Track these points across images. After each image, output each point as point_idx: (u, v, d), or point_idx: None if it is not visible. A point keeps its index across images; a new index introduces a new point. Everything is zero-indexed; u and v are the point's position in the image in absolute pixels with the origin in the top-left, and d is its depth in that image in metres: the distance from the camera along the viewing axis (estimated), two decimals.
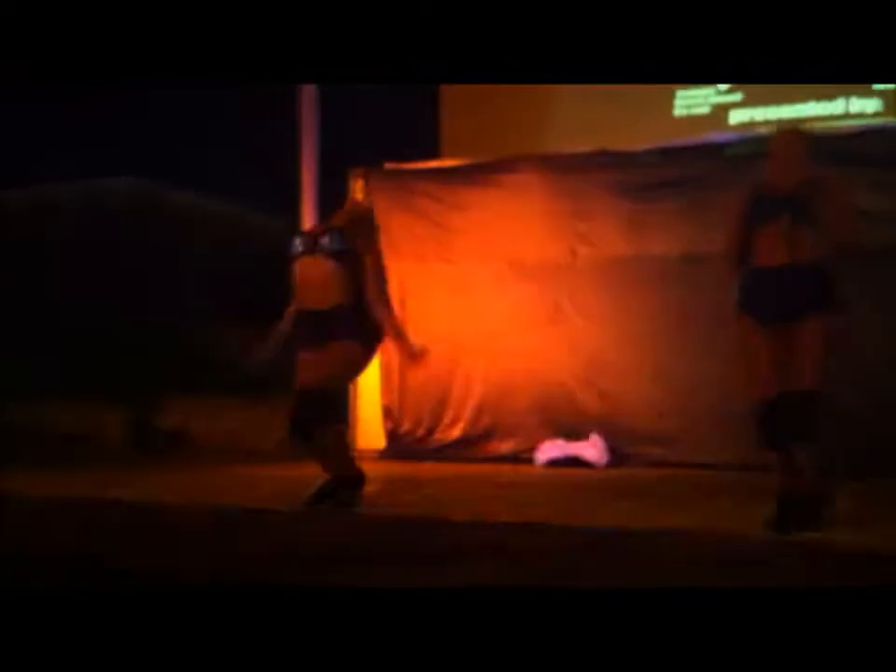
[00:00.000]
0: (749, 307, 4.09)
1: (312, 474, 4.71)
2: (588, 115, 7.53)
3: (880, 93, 7.07)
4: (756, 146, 5.30)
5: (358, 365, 4.68)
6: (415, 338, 7.02)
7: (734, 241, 4.19)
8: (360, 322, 4.57)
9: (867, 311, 5.59)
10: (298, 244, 4.69)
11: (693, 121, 7.52)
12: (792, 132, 4.34)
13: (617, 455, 6.66)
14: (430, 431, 7.22)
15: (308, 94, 7.40)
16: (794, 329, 3.96)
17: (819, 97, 7.13)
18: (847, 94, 7.19)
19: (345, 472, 4.63)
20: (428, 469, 6.38)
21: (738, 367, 4.23)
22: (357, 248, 4.60)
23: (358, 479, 4.70)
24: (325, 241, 4.61)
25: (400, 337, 4.67)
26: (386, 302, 4.67)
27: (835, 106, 7.21)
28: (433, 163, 7.65)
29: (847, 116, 7.15)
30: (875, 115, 7.04)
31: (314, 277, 4.60)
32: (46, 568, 3.13)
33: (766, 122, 7.16)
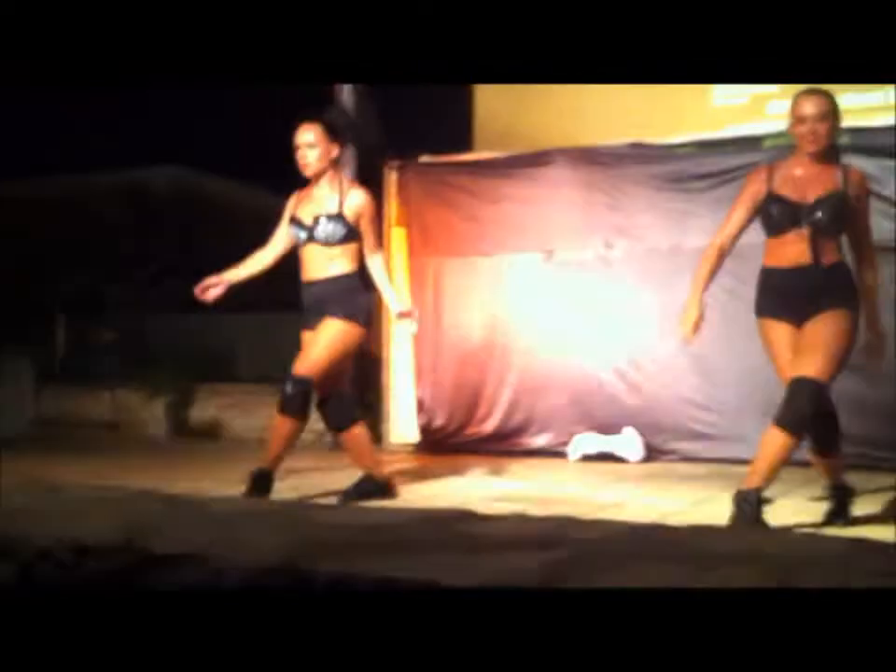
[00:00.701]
0: (768, 311, 3.97)
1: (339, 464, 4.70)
2: (624, 106, 7.47)
3: None
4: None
5: (348, 344, 4.62)
6: (451, 330, 7.15)
7: (731, 232, 4.03)
8: (355, 297, 4.62)
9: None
10: (296, 233, 4.67)
11: (731, 112, 7.46)
12: (822, 94, 3.84)
13: (652, 450, 6.61)
14: (464, 425, 7.20)
15: (345, 86, 7.39)
16: (812, 323, 3.82)
17: (858, 88, 7.04)
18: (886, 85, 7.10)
19: (369, 474, 4.64)
20: (461, 462, 6.36)
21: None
22: (359, 228, 4.65)
23: (377, 491, 4.68)
24: (322, 229, 4.59)
25: (390, 292, 4.77)
26: (383, 259, 4.77)
27: (875, 98, 7.12)
28: (468, 156, 7.63)
29: (885, 107, 7.06)
30: None
31: (312, 256, 4.64)
32: (85, 558, 3.14)
33: None
